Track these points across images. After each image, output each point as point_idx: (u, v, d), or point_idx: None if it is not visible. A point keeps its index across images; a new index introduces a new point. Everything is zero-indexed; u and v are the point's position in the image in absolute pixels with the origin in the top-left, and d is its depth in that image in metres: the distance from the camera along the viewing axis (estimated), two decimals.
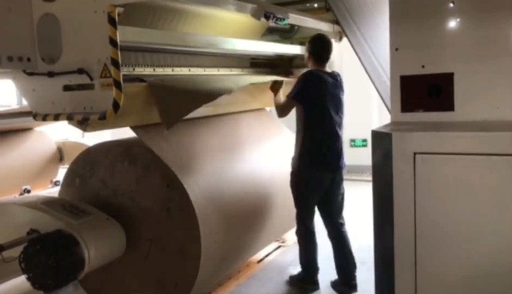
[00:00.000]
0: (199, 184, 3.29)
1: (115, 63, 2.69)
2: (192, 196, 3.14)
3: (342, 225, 3.85)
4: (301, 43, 4.83)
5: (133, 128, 3.22)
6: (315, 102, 3.65)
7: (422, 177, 2.05)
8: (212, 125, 3.83)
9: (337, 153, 3.74)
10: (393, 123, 2.39)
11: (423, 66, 2.33)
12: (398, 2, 2.38)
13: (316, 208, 3.88)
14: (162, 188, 3.23)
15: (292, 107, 3.75)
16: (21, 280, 3.11)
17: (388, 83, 2.78)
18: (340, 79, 3.87)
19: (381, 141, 2.15)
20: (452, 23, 2.30)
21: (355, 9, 3.69)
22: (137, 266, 3.36)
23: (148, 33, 3.27)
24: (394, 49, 2.38)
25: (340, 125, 3.78)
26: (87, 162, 3.60)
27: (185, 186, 3.14)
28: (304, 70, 3.92)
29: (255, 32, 4.59)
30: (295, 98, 3.68)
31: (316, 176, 3.70)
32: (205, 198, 3.29)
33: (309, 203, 3.81)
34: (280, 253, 4.69)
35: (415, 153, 2.05)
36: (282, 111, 3.83)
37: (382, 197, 2.18)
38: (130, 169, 3.37)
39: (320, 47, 3.79)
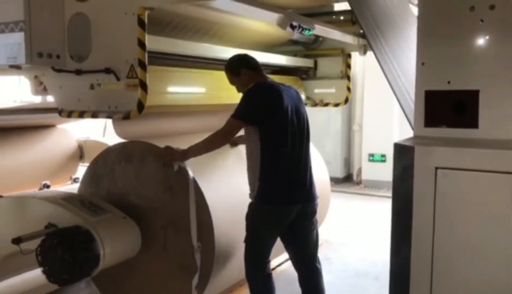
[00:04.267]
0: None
1: (142, 64, 2.74)
2: (188, 166, 3.20)
3: (317, 269, 3.26)
4: (323, 55, 4.86)
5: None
6: (271, 120, 2.94)
7: (443, 192, 2.03)
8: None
9: (305, 180, 3.07)
10: (416, 137, 2.38)
11: (448, 82, 2.31)
12: (427, 19, 2.37)
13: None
14: (158, 170, 3.32)
15: (237, 129, 3.06)
16: (35, 273, 3.16)
17: (411, 97, 2.77)
18: (297, 91, 3.19)
19: (403, 154, 2.14)
20: (480, 41, 2.28)
21: (382, 21, 3.65)
22: (160, 257, 3.39)
23: (170, 42, 3.31)
24: (421, 63, 2.37)
25: (306, 147, 3.11)
26: (107, 161, 3.65)
27: None
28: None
29: (277, 42, 4.61)
30: (242, 118, 2.96)
31: (280, 210, 3.03)
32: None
33: (266, 241, 3.10)
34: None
35: (436, 168, 2.04)
36: (226, 135, 3.04)
37: (401, 210, 2.16)
38: (129, 167, 3.48)
39: (245, 57, 3.18)
